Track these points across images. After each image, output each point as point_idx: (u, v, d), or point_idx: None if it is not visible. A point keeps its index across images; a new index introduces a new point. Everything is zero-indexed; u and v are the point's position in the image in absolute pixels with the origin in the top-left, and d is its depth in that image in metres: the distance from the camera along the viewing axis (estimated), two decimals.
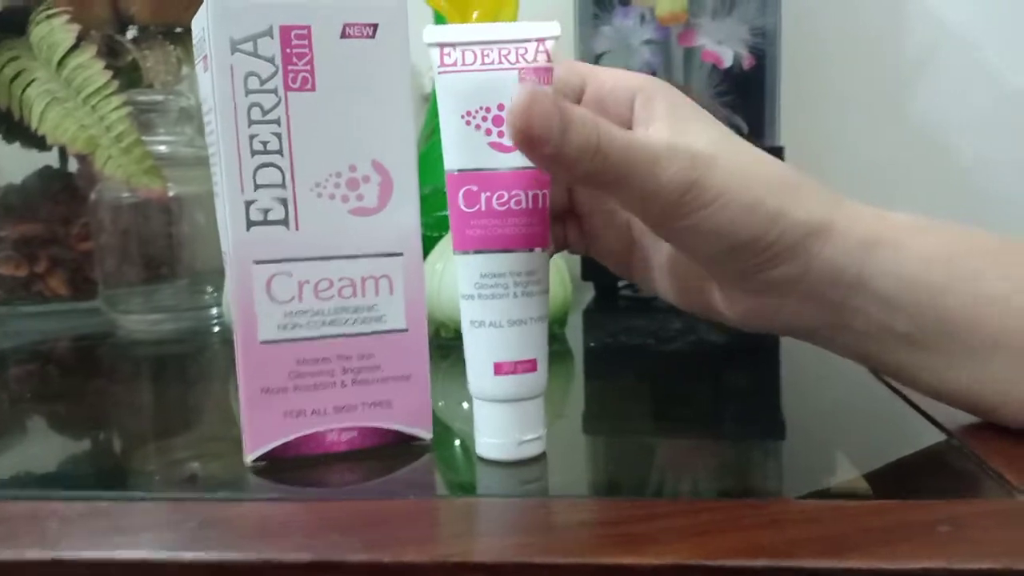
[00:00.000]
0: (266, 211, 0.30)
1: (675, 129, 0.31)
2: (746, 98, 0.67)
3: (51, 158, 0.73)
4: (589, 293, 0.72)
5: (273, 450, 0.32)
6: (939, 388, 0.33)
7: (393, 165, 0.32)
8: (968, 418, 0.34)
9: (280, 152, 0.30)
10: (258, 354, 0.31)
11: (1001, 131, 0.81)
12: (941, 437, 0.33)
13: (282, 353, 0.31)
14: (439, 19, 0.58)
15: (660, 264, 0.35)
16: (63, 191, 0.71)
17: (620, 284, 0.70)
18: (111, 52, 0.64)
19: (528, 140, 0.27)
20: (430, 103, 0.66)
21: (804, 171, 0.33)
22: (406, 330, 0.33)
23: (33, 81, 0.60)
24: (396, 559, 0.24)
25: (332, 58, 0.30)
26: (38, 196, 0.71)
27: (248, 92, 0.30)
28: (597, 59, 0.67)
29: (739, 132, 0.67)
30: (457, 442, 0.36)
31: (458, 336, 0.53)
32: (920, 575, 0.22)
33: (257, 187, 0.30)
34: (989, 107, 0.81)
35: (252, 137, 0.30)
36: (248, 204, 0.30)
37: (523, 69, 0.30)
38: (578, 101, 0.33)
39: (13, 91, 0.60)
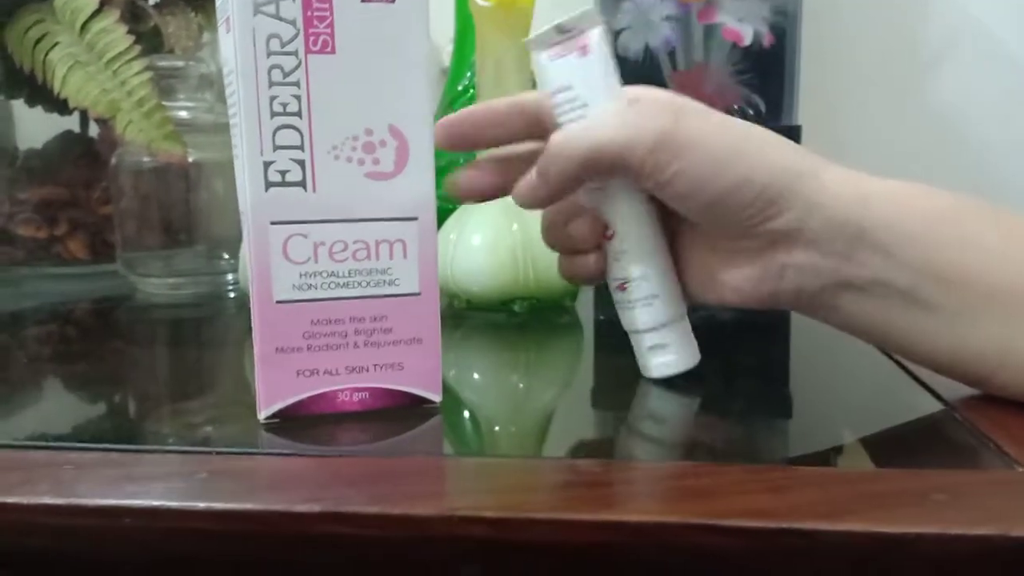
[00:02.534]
0: (284, 172, 0.31)
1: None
2: (765, 77, 0.67)
3: (72, 122, 0.73)
4: None
5: (285, 408, 0.32)
6: (936, 353, 0.33)
7: (409, 130, 0.32)
8: (970, 391, 0.34)
9: (299, 114, 0.31)
10: (273, 313, 0.32)
11: (1021, 116, 0.80)
12: (944, 410, 0.34)
13: (297, 313, 0.32)
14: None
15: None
16: (84, 155, 0.72)
17: None
18: (134, 17, 0.64)
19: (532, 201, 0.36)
20: (449, 76, 0.66)
21: (821, 151, 0.34)
22: (419, 294, 0.33)
23: (56, 45, 0.60)
24: (404, 512, 0.24)
25: (352, 21, 0.31)
26: (59, 160, 0.71)
27: (269, 54, 0.30)
28: (617, 35, 0.67)
29: (757, 111, 0.67)
30: (466, 406, 0.36)
31: (471, 307, 0.53)
32: (915, 539, 0.23)
33: (276, 148, 0.31)
34: (1010, 91, 0.80)
35: (272, 99, 0.30)
36: (267, 165, 0.31)
37: None
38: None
39: (36, 55, 0.61)
